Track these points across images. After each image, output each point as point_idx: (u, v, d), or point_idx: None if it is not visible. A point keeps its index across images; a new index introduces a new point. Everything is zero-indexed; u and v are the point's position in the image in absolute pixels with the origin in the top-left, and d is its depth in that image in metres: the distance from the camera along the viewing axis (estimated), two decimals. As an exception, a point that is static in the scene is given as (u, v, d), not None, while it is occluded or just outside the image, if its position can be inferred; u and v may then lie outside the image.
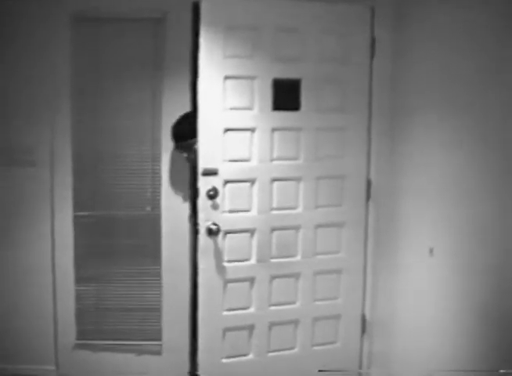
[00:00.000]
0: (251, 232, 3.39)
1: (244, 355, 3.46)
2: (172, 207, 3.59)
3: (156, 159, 3.58)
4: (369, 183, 3.56)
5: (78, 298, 3.62)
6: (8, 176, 3.57)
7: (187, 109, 3.51)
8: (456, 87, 2.85)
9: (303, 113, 3.41)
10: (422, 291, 3.14)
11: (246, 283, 3.42)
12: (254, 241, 3.40)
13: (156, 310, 3.64)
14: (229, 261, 3.36)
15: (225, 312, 3.39)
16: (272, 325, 3.49)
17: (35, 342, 3.64)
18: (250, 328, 3.45)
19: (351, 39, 3.43)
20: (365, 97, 3.50)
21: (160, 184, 3.59)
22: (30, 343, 3.63)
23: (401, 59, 3.40)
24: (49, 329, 3.63)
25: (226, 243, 3.34)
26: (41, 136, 3.55)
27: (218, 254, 3.33)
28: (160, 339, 3.65)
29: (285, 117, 3.39)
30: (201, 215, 3.28)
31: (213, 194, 3.28)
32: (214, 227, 3.27)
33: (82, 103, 3.57)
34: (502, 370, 2.35)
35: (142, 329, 3.65)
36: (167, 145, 3.54)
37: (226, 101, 3.26)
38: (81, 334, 3.64)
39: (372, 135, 3.53)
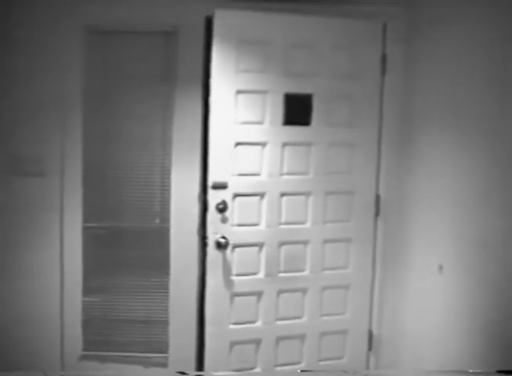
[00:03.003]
0: (260, 246, 3.39)
1: (251, 368, 3.45)
2: (181, 219, 3.59)
3: (166, 171, 3.59)
4: (378, 199, 3.56)
5: (85, 309, 3.60)
6: (17, 186, 3.55)
7: (198, 122, 3.51)
8: (466, 101, 2.85)
9: (314, 128, 3.42)
10: (430, 308, 3.13)
11: (254, 297, 3.42)
12: (263, 255, 3.40)
13: (163, 322, 3.63)
14: (237, 274, 3.36)
15: (232, 326, 3.39)
16: (278, 339, 3.48)
17: (41, 352, 3.62)
18: (257, 342, 3.45)
19: (363, 55, 3.45)
20: (376, 113, 3.51)
21: (169, 196, 3.59)
22: (37, 353, 3.62)
23: (411, 75, 3.41)
24: (56, 339, 3.62)
25: (235, 256, 3.35)
26: (52, 146, 3.54)
27: (226, 267, 3.33)
28: (166, 352, 3.63)
29: (296, 131, 3.40)
30: (210, 228, 3.29)
31: (222, 207, 3.28)
32: (222, 240, 3.28)
33: (93, 114, 3.57)
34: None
35: (148, 341, 3.63)
36: (177, 157, 3.56)
37: (238, 115, 3.27)
38: (88, 345, 3.62)
39: (382, 151, 3.54)
